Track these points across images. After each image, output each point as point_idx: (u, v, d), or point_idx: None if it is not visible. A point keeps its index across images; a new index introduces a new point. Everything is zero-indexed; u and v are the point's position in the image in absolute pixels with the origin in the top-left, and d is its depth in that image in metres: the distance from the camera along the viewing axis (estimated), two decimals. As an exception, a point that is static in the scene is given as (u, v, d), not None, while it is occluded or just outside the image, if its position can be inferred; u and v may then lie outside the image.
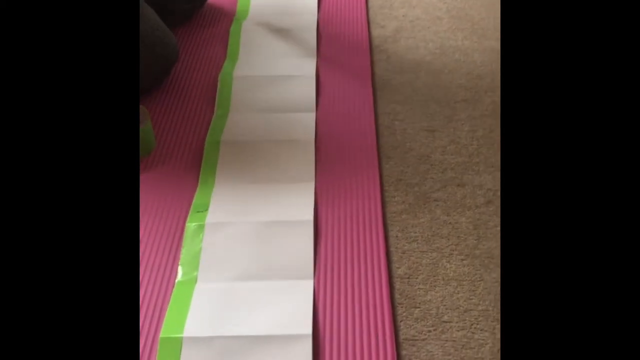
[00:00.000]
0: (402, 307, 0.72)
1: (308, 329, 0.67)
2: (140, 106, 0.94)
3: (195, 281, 0.74)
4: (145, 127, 0.90)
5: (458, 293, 0.73)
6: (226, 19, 1.23)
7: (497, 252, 0.78)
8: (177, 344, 0.67)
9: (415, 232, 0.81)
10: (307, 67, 1.08)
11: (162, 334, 0.68)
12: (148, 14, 0.98)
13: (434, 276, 0.75)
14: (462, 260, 0.77)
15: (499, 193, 0.86)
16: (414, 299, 0.73)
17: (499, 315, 0.71)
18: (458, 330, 0.70)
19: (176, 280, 0.74)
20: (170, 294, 0.73)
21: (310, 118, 0.97)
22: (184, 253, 0.77)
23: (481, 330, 0.70)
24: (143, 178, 0.88)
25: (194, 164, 0.91)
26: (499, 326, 0.70)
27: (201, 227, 0.79)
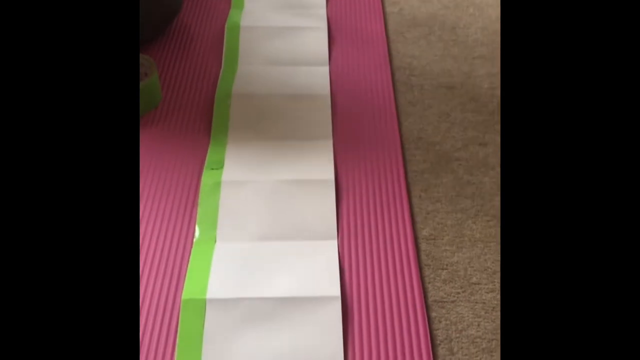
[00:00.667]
0: (429, 268, 0.70)
1: (337, 291, 0.65)
2: (147, 56, 0.89)
3: (215, 240, 0.70)
4: (152, 78, 0.85)
5: (485, 255, 0.72)
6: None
7: (523, 213, 0.76)
8: (200, 305, 0.64)
9: (439, 192, 0.79)
10: (317, 17, 1.03)
11: (184, 295, 0.65)
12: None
13: (460, 237, 0.74)
14: (488, 221, 0.75)
15: (521, 153, 0.84)
16: (440, 260, 0.71)
17: (528, 277, 0.70)
18: (487, 292, 0.68)
19: (194, 240, 0.71)
20: (189, 254, 0.70)
21: (324, 72, 0.93)
22: (201, 212, 0.74)
23: (511, 292, 0.68)
24: (151, 132, 0.84)
25: (204, 117, 0.86)
26: (528, 288, 0.69)
27: (217, 185, 0.76)
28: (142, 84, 0.84)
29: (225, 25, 1.01)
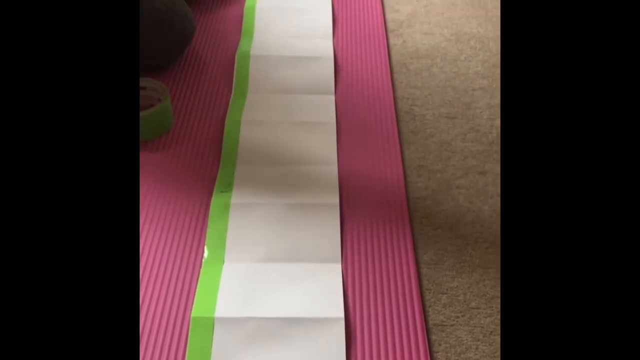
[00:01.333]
0: (429, 292, 0.73)
1: (340, 313, 0.67)
2: (159, 83, 0.93)
3: (223, 261, 0.73)
4: (165, 103, 0.88)
5: (484, 280, 0.74)
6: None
7: (521, 240, 0.79)
8: (209, 324, 0.66)
9: (440, 219, 0.81)
10: (324, 48, 1.07)
11: (194, 313, 0.67)
12: (167, -13, 0.96)
13: (460, 263, 0.76)
14: (487, 248, 0.78)
15: (520, 182, 0.87)
16: (441, 285, 0.74)
17: (525, 302, 0.72)
18: (486, 317, 0.71)
19: (203, 260, 0.73)
20: (198, 274, 0.72)
21: (329, 100, 0.96)
22: (210, 233, 0.76)
23: (508, 317, 0.71)
24: (164, 155, 0.87)
25: (215, 142, 0.89)
26: (525, 314, 0.71)
27: (226, 208, 0.79)
28: (154, 109, 0.87)
29: (236, 55, 1.05)
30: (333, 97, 0.97)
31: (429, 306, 0.71)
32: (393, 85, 1.02)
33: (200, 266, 0.73)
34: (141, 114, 0.86)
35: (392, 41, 1.12)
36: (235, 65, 1.02)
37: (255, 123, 0.91)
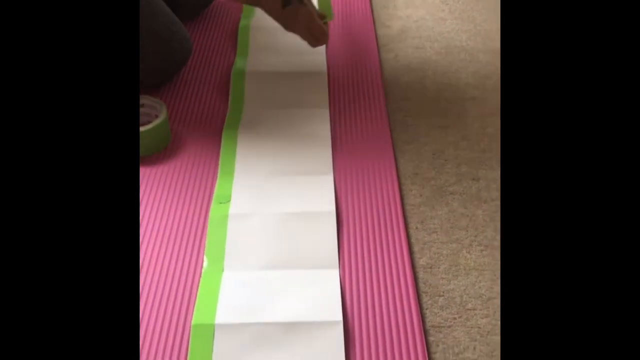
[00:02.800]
0: (426, 295, 0.74)
1: (339, 316, 0.68)
2: (157, 99, 0.95)
3: (222, 270, 0.74)
4: (162, 119, 0.90)
5: (480, 282, 0.75)
6: (233, 17, 1.24)
7: (515, 243, 0.80)
8: (209, 330, 0.67)
9: (435, 224, 0.83)
10: (318, 63, 1.09)
11: (194, 321, 0.68)
12: (163, 9, 0.98)
13: (456, 266, 0.77)
14: (482, 250, 0.79)
15: (512, 187, 0.89)
16: (437, 287, 0.75)
17: (521, 303, 0.73)
18: (482, 318, 0.72)
19: (203, 270, 0.74)
20: (197, 283, 0.73)
21: (324, 113, 0.98)
22: (209, 243, 0.77)
23: (504, 317, 0.72)
24: (163, 169, 0.89)
25: (212, 155, 0.91)
26: (521, 313, 0.72)
27: (225, 218, 0.80)
28: (153, 125, 0.89)
29: (232, 72, 1.07)
30: (327, 111, 0.99)
31: (426, 308, 0.72)
32: (386, 97, 1.04)
33: (200, 275, 0.74)
34: (140, 129, 0.87)
35: (383, 55, 1.15)
36: (231, 82, 1.04)
37: (252, 136, 0.93)
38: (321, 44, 1.01)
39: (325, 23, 1.01)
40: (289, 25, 0.99)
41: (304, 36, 1.00)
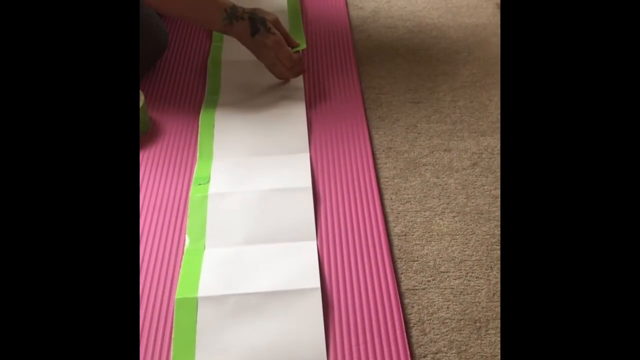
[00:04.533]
0: (401, 261, 0.77)
1: (316, 283, 0.71)
2: (135, 87, 0.97)
3: (204, 248, 0.77)
4: (141, 106, 0.92)
5: (452, 246, 0.78)
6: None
7: (486, 208, 0.83)
8: (192, 303, 0.70)
9: (408, 194, 0.86)
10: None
11: (178, 295, 0.71)
12: (142, 1, 1.00)
13: (429, 232, 0.80)
14: (454, 217, 0.82)
15: (483, 155, 0.92)
16: (411, 253, 0.78)
17: (492, 263, 0.76)
18: (455, 279, 0.75)
19: (185, 248, 0.77)
20: (180, 261, 0.76)
21: (299, 94, 1.01)
22: (190, 223, 0.80)
23: (476, 277, 0.75)
24: (143, 155, 0.91)
25: (190, 140, 0.93)
26: (492, 273, 0.75)
27: (205, 198, 0.83)
28: (132, 112, 0.91)
29: (208, 59, 1.09)
30: (302, 92, 1.01)
31: (401, 273, 0.75)
32: (359, 76, 1.07)
33: (183, 254, 0.77)
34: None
35: (357, 36, 1.17)
36: (208, 69, 1.07)
37: (228, 120, 0.96)
38: (296, 75, 1.00)
39: (297, 52, 0.99)
40: (259, 54, 0.97)
41: (273, 67, 0.98)
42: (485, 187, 0.87)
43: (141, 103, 0.93)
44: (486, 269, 0.76)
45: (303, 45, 1.00)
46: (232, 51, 1.11)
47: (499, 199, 0.84)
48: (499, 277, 0.74)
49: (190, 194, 0.84)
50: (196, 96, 1.02)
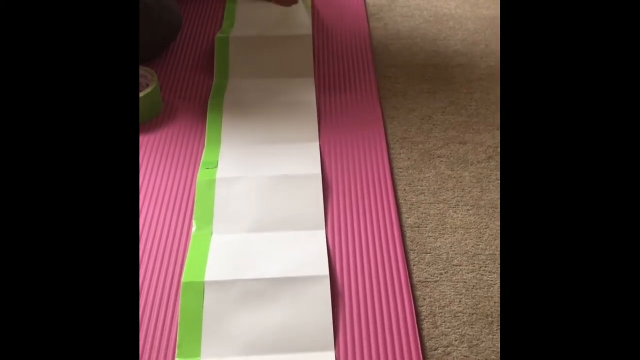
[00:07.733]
0: (414, 253, 0.75)
1: (325, 271, 0.70)
2: (149, 69, 0.95)
3: (211, 234, 0.75)
4: (154, 88, 0.91)
5: (466, 240, 0.77)
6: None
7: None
8: (199, 288, 0.68)
9: (422, 186, 0.84)
10: (304, 31, 1.09)
11: (185, 279, 0.69)
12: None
13: (442, 225, 0.79)
14: (468, 210, 0.81)
15: (499, 149, 0.90)
16: (424, 245, 0.76)
17: (506, 258, 0.75)
18: (468, 273, 0.73)
19: (192, 234, 0.76)
20: (187, 246, 0.75)
21: (309, 82, 0.99)
22: (198, 208, 0.79)
23: (490, 272, 0.73)
24: (154, 137, 0.90)
25: (200, 123, 0.92)
26: (506, 268, 0.74)
27: (212, 183, 0.81)
28: (145, 93, 0.89)
29: (216, 37, 1.07)
30: (313, 79, 1.00)
31: (414, 265, 0.74)
32: (375, 65, 1.05)
33: (190, 239, 0.76)
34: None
35: (373, 24, 1.15)
36: (216, 49, 1.04)
37: (237, 104, 0.94)
38: (290, 4, 1.06)
39: None
40: None
41: None
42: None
43: (154, 85, 0.91)
44: (499, 264, 0.74)
45: None
46: (242, 28, 1.09)
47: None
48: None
49: (198, 177, 0.82)
50: (210, 78, 1.01)
